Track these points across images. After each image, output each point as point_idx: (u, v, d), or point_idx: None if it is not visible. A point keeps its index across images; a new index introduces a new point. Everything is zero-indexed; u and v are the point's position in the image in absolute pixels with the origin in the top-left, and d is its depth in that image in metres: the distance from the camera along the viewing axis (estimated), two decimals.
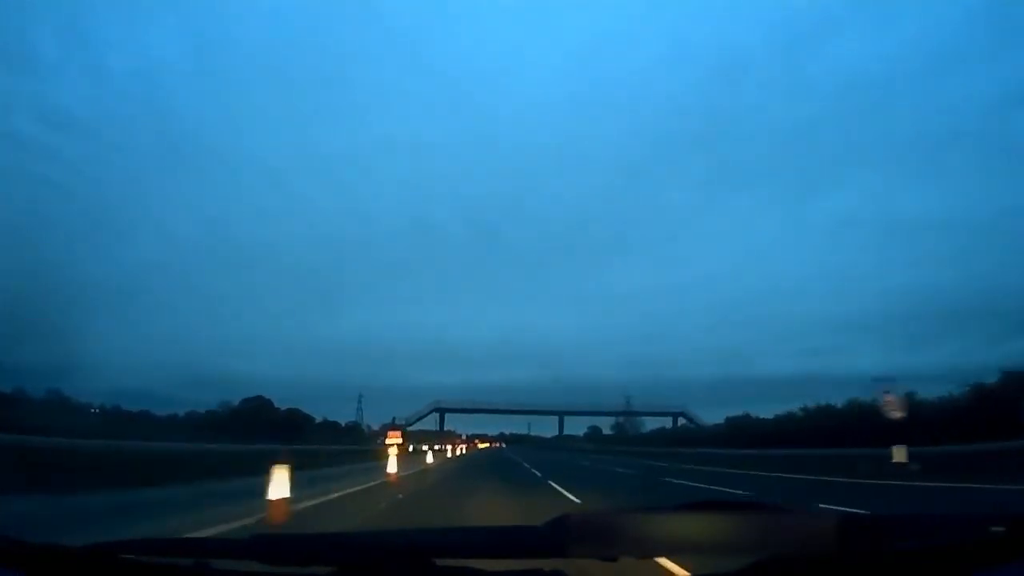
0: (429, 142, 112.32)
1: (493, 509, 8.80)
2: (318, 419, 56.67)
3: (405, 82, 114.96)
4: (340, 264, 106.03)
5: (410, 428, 73.93)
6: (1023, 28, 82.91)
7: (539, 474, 18.08)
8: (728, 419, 43.06)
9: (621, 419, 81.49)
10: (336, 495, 10.48)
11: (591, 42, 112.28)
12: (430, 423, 79.04)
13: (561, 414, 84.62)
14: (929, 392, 28.65)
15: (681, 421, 73.23)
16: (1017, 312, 61.39)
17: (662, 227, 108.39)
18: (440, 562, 1.19)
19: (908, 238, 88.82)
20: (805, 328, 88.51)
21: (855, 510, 7.38)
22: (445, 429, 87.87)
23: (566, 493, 11.26)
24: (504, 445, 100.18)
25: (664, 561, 3.89)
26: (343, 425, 63.52)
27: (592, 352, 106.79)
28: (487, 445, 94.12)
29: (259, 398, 47.31)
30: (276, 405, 48.08)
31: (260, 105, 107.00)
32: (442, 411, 79.14)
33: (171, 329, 69.90)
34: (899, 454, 15.73)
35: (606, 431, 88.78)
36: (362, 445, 42.04)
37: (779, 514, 1.21)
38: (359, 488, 12.05)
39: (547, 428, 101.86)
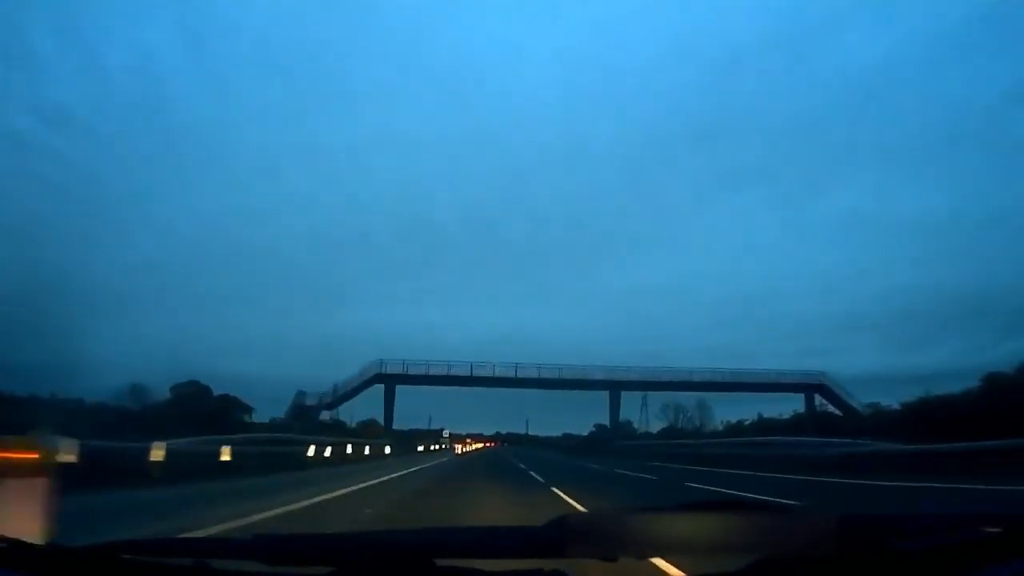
0: (426, 138, 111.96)
1: None
2: (257, 410, 43.49)
3: (402, 78, 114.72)
4: (336, 261, 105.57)
5: (327, 416, 47.59)
6: None
7: None
8: (992, 377, 23.60)
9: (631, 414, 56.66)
10: None
11: (590, 38, 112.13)
12: (373, 403, 50.71)
13: (614, 386, 50.14)
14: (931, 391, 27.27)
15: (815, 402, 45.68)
16: (1020, 311, 61.23)
17: (661, 225, 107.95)
18: (440, 562, 1.19)
19: (910, 236, 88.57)
20: (805, 327, 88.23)
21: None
22: (434, 428, 66.74)
23: None
24: (506, 444, 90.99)
25: (664, 561, 3.89)
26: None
27: (592, 351, 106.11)
28: (481, 446, 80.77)
29: (193, 384, 37.94)
30: (214, 393, 38.50)
31: (257, 100, 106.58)
32: (389, 380, 48.33)
33: (164, 326, 69.21)
34: None
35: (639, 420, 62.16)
36: None
37: (779, 514, 1.22)
38: None
39: (549, 425, 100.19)
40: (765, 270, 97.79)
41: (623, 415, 61.07)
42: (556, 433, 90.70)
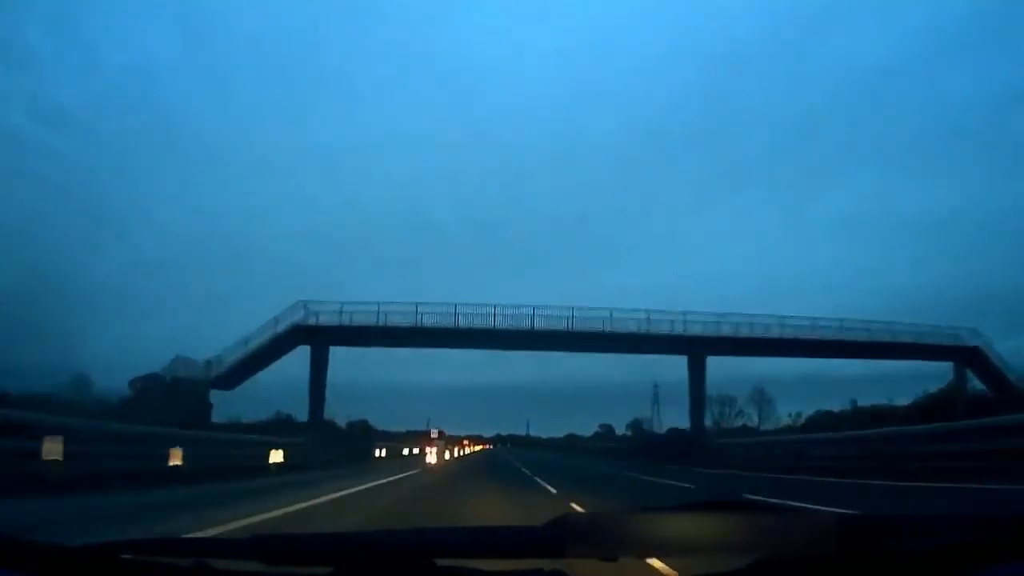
0: (426, 137, 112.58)
1: None
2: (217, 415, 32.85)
3: (402, 76, 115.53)
4: (335, 260, 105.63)
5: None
6: None
7: None
8: None
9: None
10: None
11: (590, 36, 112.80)
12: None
13: (696, 347, 31.19)
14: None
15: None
16: (1021, 310, 60.79)
17: (661, 223, 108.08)
18: (440, 562, 1.18)
19: (911, 236, 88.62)
20: None
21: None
22: (432, 430, 51.45)
23: None
24: (508, 446, 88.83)
25: (663, 562, 3.89)
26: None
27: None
28: (480, 448, 76.58)
29: (152, 377, 31.92)
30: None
31: (256, 99, 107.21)
32: (317, 337, 29.24)
33: (164, 326, 68.81)
34: None
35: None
36: None
37: (779, 514, 1.22)
38: None
39: (551, 427, 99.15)
40: (765, 269, 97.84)
41: (627, 414, 49.86)
42: (558, 435, 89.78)
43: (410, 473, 18.51)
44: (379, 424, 60.59)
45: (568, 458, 40.77)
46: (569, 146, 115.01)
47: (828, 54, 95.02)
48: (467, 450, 62.65)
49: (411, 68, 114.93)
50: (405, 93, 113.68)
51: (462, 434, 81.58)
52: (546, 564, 1.20)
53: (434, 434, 52.79)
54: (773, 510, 1.26)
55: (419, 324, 29.54)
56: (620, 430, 70.70)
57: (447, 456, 37.63)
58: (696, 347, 31.37)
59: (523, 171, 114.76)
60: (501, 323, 30.02)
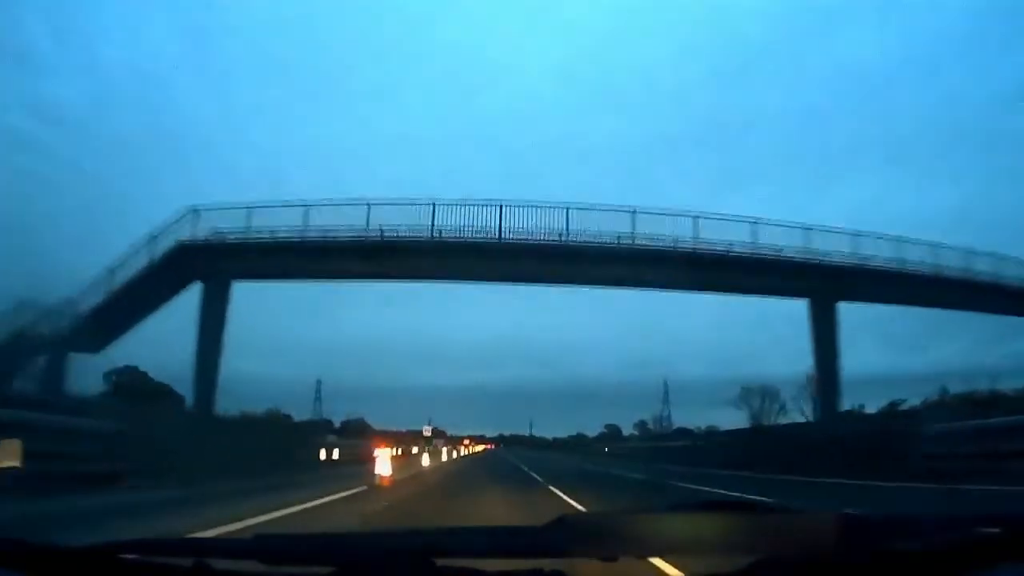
0: (429, 138, 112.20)
1: None
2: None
3: (406, 77, 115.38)
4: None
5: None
6: None
7: None
8: None
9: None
10: None
11: (594, 37, 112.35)
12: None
13: (828, 280, 19.17)
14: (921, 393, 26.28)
15: None
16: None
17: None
18: (440, 562, 1.19)
19: (914, 235, 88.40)
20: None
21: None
22: (425, 428, 48.73)
23: None
24: (512, 447, 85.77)
25: (663, 561, 3.89)
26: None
27: (595, 351, 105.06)
28: (482, 449, 73.21)
29: (130, 370, 31.08)
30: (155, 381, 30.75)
31: (258, 100, 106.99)
32: (211, 264, 17.92)
33: (165, 329, 68.44)
34: None
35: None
36: None
37: (779, 514, 1.22)
38: None
39: (554, 426, 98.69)
40: None
41: (629, 414, 43.94)
42: (563, 434, 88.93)
43: (333, 499, 9.33)
44: (380, 423, 59.97)
45: (610, 466, 27.80)
46: (574, 147, 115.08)
47: (832, 55, 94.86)
48: (465, 451, 55.60)
49: (415, 70, 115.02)
50: (406, 94, 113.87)
51: (464, 434, 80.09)
52: (546, 564, 1.21)
53: (427, 432, 47.11)
54: (773, 510, 1.27)
55: (377, 236, 18.26)
56: (627, 430, 69.60)
57: (427, 461, 24.98)
58: (828, 284, 19.71)
59: (525, 171, 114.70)
60: (513, 236, 18.65)
